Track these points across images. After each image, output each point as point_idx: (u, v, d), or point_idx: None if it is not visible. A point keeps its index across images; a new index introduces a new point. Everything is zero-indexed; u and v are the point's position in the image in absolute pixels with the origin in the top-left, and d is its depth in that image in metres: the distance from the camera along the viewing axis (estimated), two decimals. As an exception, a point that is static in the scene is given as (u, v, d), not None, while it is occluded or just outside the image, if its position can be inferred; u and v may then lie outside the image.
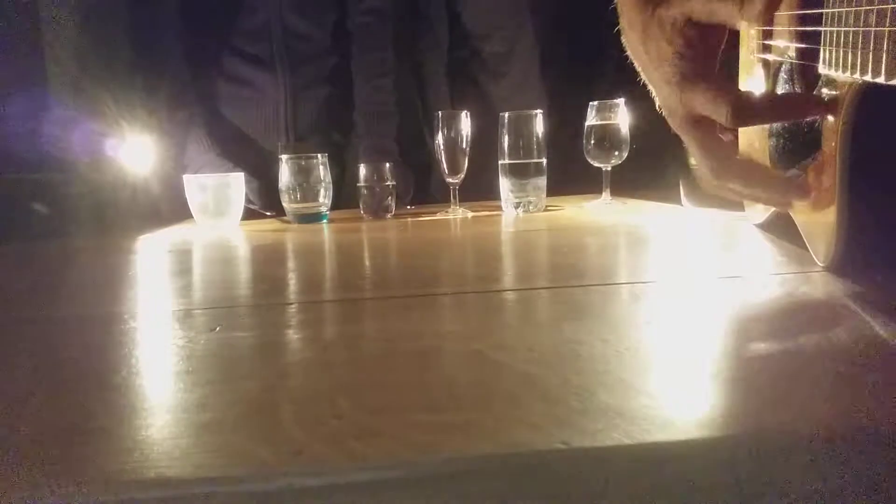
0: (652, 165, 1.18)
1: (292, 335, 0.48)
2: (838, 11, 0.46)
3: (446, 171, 1.19)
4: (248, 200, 1.24)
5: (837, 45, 0.47)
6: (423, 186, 1.47)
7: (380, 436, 0.29)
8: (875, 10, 0.41)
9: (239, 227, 1.19)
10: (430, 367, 0.39)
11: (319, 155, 1.18)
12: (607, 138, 1.15)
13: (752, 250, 0.72)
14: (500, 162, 1.16)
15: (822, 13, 0.49)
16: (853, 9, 0.44)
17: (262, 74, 1.41)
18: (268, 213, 1.32)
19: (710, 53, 0.54)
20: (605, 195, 1.19)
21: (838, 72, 0.48)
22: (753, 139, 0.77)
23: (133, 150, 1.24)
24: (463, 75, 1.56)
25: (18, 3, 1.25)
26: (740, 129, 0.83)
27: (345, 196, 1.37)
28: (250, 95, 1.42)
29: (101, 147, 1.23)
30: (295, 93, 1.42)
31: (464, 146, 1.17)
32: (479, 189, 1.31)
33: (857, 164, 0.49)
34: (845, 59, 0.46)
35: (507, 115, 1.14)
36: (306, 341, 0.46)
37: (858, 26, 0.43)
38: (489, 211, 1.21)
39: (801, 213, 0.61)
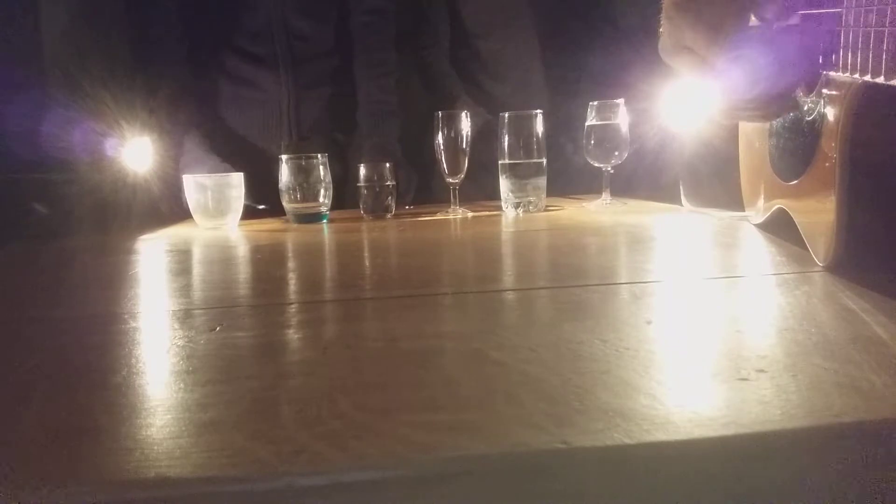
0: (652, 165, 1.18)
1: (292, 335, 0.48)
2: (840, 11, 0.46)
3: (446, 171, 1.19)
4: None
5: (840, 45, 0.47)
6: (426, 186, 1.46)
7: (380, 436, 0.29)
8: (875, 10, 0.41)
9: (239, 227, 1.19)
10: (430, 367, 0.39)
11: (319, 155, 1.18)
12: (607, 138, 1.15)
13: (752, 250, 0.72)
14: (500, 162, 1.16)
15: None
16: (853, 9, 0.44)
17: (265, 74, 1.41)
18: (259, 206, 1.31)
19: None
20: (605, 195, 1.19)
21: (838, 72, 0.48)
22: (753, 139, 0.77)
23: (133, 150, 1.24)
24: (464, 75, 1.55)
25: (18, 2, 1.25)
26: (740, 131, 0.83)
27: (349, 196, 1.37)
28: (252, 95, 1.42)
29: (101, 147, 1.23)
30: (297, 93, 1.42)
31: (464, 146, 1.17)
32: (481, 189, 1.31)
33: (857, 164, 0.49)
34: (846, 59, 0.46)
35: (506, 115, 1.14)
36: (306, 341, 0.46)
37: (859, 26, 0.43)
38: (489, 211, 1.21)
39: (801, 213, 0.61)
